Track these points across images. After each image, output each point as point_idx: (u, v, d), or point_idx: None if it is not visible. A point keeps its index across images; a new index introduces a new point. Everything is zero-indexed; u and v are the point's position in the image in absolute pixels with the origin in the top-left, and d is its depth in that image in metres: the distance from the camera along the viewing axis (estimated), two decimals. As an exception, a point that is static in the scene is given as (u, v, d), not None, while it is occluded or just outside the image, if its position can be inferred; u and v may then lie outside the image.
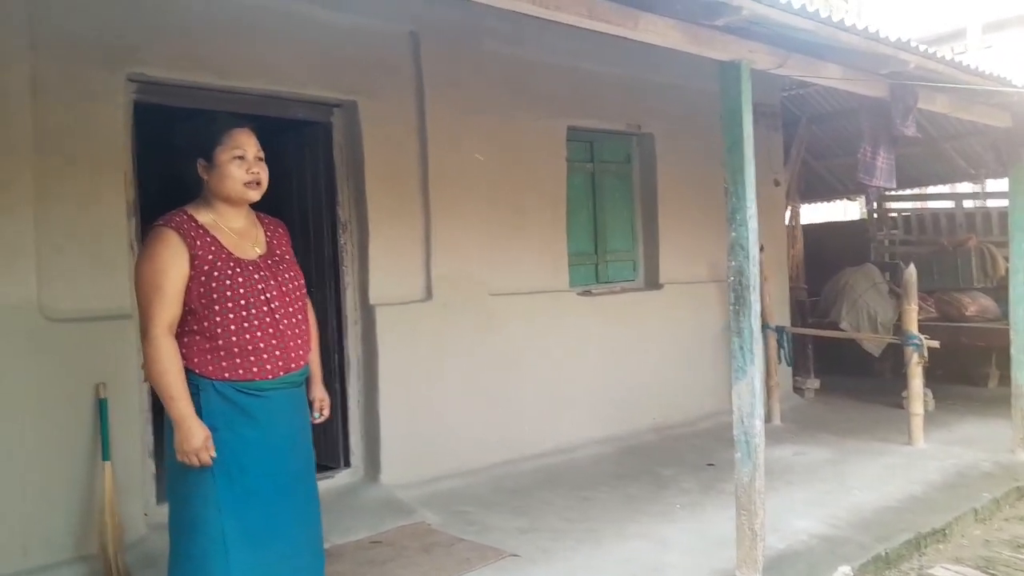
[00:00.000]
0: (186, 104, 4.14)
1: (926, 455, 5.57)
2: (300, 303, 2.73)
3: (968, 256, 8.20)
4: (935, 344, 5.89)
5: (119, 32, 3.90)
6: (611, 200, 6.48)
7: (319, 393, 2.92)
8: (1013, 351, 5.62)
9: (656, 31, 3.07)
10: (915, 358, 5.86)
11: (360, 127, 4.82)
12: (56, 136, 3.74)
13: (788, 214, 8.21)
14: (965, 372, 8.08)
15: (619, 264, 6.57)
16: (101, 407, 3.79)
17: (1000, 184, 9.20)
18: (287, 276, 2.69)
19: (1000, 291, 7.34)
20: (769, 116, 7.12)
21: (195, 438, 2.45)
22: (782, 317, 7.30)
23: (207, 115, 2.80)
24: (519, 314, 5.53)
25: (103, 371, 3.79)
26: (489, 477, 5.11)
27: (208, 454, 2.46)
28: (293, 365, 2.63)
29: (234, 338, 2.51)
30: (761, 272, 4.25)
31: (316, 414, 2.91)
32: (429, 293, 5.10)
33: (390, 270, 4.96)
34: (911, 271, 5.85)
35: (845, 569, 3.67)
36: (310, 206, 5.12)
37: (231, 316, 2.51)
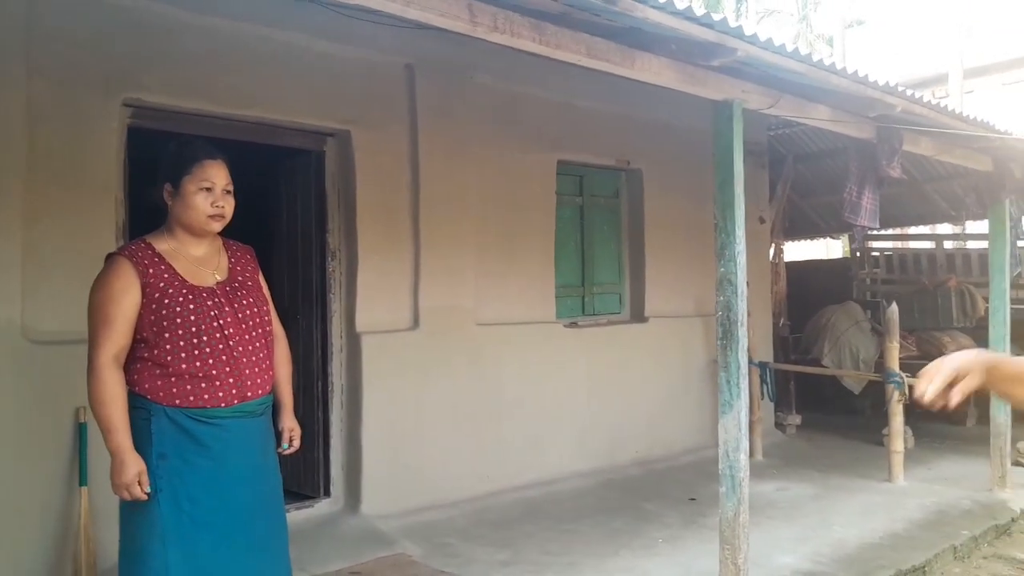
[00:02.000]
0: (180, 129, 4.12)
1: (907, 492, 5.60)
2: (260, 331, 2.63)
3: (948, 296, 8.30)
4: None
5: (116, 58, 3.90)
6: (599, 233, 6.53)
7: (288, 423, 2.81)
8: (993, 391, 5.67)
9: (652, 70, 3.13)
10: (896, 396, 5.91)
11: (353, 156, 4.83)
12: (48, 158, 3.72)
13: (772, 251, 8.29)
14: (944, 410, 8.12)
15: (606, 297, 6.60)
16: (81, 432, 3.73)
17: (980, 226, 9.38)
18: (246, 303, 2.61)
19: (979, 331, 7.45)
20: (756, 154, 7.22)
21: (128, 472, 2.38)
22: (765, 353, 7.35)
23: (181, 141, 2.73)
24: (506, 345, 5.53)
25: (84, 395, 3.69)
26: (472, 509, 5.07)
27: (140, 489, 2.39)
28: (249, 394, 2.55)
29: (184, 365, 2.45)
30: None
31: (285, 445, 2.80)
32: (416, 322, 5.09)
33: (378, 298, 4.95)
34: (893, 309, 5.92)
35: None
36: (300, 233, 5.09)
37: (181, 343, 2.45)
